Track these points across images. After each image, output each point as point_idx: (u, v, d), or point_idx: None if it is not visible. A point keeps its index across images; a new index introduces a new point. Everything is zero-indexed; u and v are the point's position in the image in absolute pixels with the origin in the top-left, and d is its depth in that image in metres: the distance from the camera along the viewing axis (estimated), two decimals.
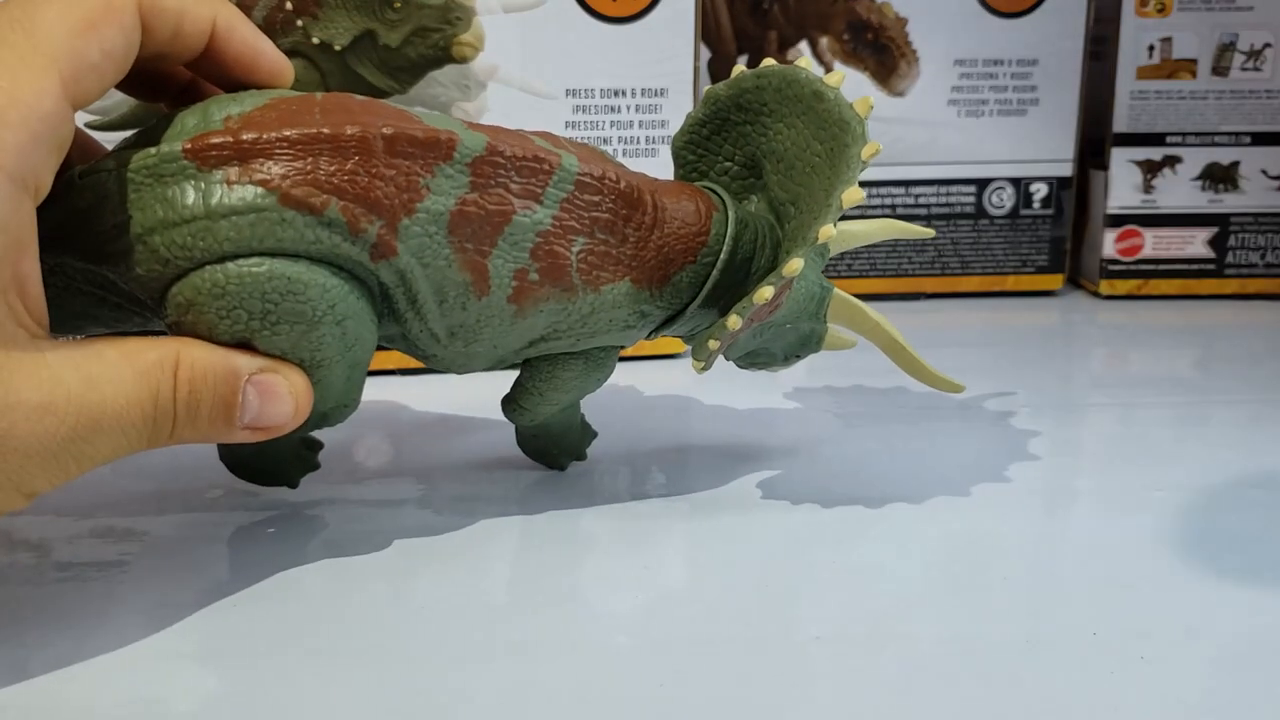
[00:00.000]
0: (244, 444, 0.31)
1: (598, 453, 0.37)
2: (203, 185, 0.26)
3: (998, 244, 0.60)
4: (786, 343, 0.34)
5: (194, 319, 0.26)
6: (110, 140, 0.29)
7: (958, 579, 0.29)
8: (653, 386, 0.45)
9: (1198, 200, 0.60)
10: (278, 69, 0.29)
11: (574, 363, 0.32)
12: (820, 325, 0.34)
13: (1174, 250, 0.60)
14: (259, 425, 0.27)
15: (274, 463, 0.33)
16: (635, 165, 0.41)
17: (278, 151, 0.26)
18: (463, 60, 0.44)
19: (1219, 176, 0.59)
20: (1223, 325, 0.56)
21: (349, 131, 0.27)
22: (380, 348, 0.30)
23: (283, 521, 0.33)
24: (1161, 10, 0.57)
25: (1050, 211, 0.60)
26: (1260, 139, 0.59)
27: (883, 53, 0.58)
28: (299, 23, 0.42)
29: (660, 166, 0.46)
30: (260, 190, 0.26)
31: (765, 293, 0.29)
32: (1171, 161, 0.59)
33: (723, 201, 0.33)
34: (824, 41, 0.58)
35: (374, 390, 0.42)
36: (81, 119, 0.41)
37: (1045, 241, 0.60)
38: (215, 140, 0.26)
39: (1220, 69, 0.58)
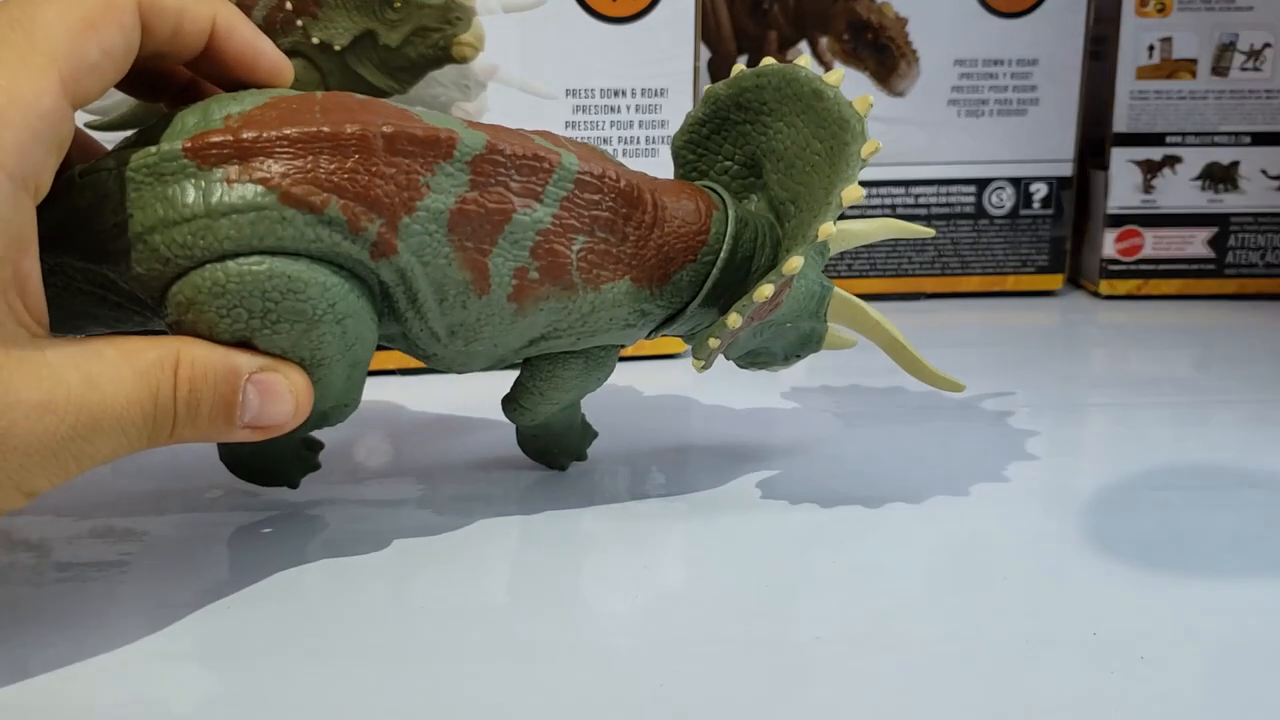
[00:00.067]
0: (244, 444, 0.31)
1: (598, 453, 0.37)
2: (203, 184, 0.26)
3: (998, 244, 0.60)
4: (787, 342, 0.34)
5: (194, 318, 0.26)
6: (110, 140, 0.29)
7: (958, 579, 0.29)
8: (653, 386, 0.45)
9: (1198, 200, 0.60)
10: (278, 68, 0.29)
11: (574, 362, 0.32)
12: (820, 324, 0.34)
13: (1174, 250, 0.60)
14: (259, 424, 0.27)
15: (274, 462, 0.33)
16: (635, 165, 0.41)
17: (278, 150, 0.26)
18: (463, 60, 0.44)
19: (1219, 176, 0.59)
20: (1223, 325, 0.56)
21: (349, 130, 0.27)
22: (380, 347, 0.30)
23: (283, 521, 0.33)
24: (1161, 10, 0.57)
25: (1050, 211, 0.60)
26: (1260, 139, 0.59)
27: (883, 53, 0.58)
28: (299, 22, 0.42)
29: (660, 166, 0.46)
30: (260, 188, 0.26)
31: (765, 291, 0.29)
32: (1171, 161, 0.59)
33: (723, 200, 0.33)
34: (824, 41, 0.58)
35: (374, 390, 0.42)
36: (81, 119, 0.41)
37: (1045, 241, 0.60)
38: (215, 139, 0.26)
39: (1220, 69, 0.58)
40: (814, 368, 0.47)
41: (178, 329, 0.27)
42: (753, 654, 0.26)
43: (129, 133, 0.28)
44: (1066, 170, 0.60)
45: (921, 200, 0.59)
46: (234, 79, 0.29)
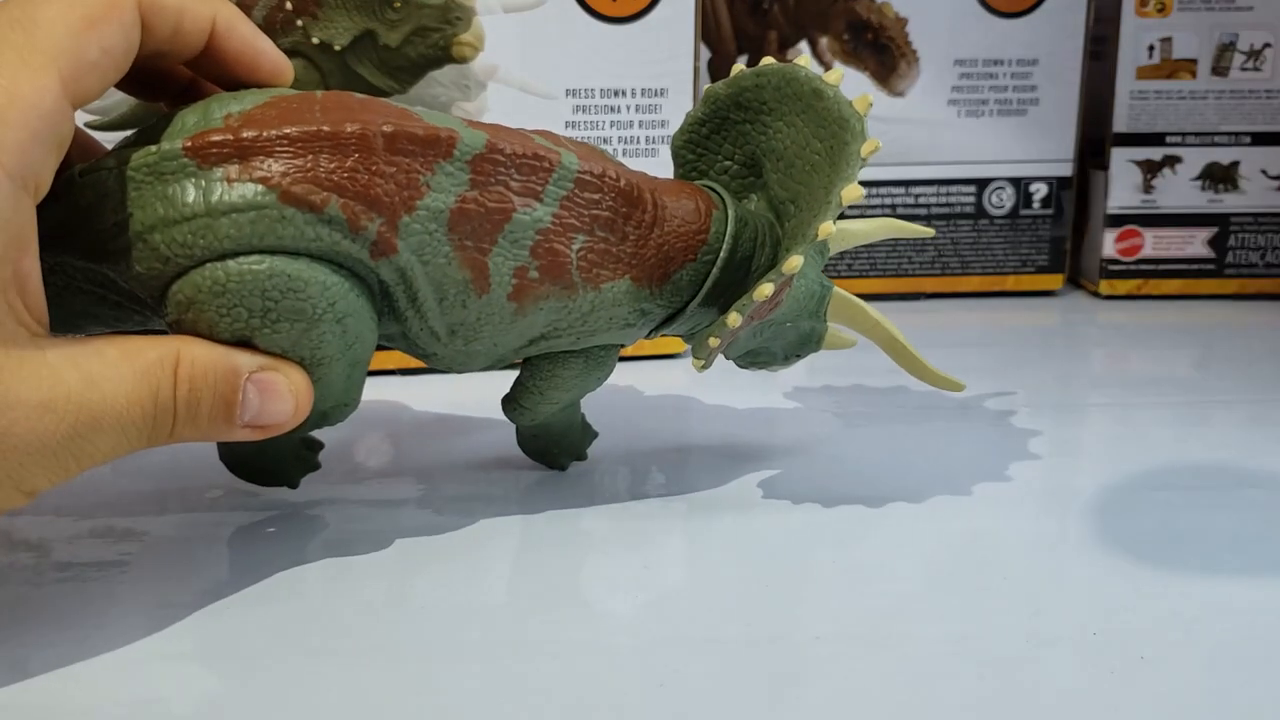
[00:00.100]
0: (244, 443, 0.31)
1: (598, 453, 0.37)
2: (203, 183, 0.26)
3: (998, 244, 0.60)
4: (786, 341, 0.34)
5: (194, 317, 0.26)
6: (110, 140, 0.29)
7: (958, 579, 0.29)
8: (653, 386, 0.45)
9: (1198, 200, 0.60)
10: (278, 68, 0.29)
11: (574, 361, 0.32)
12: (820, 324, 0.34)
13: (1174, 250, 0.60)
14: (259, 423, 0.27)
15: (274, 462, 0.32)
16: (635, 165, 0.41)
17: (278, 149, 0.26)
18: (463, 60, 0.44)
19: (1219, 176, 0.59)
20: (1223, 325, 0.56)
21: (349, 129, 0.27)
22: (380, 347, 0.30)
23: (283, 521, 0.32)
24: (1161, 10, 0.57)
25: (1050, 211, 0.60)
26: (1260, 139, 0.59)
27: (883, 53, 0.58)
28: (299, 22, 0.42)
29: (660, 166, 0.46)
30: (260, 188, 0.26)
31: (765, 290, 0.29)
32: (1171, 161, 0.59)
33: (722, 200, 0.33)
34: (824, 41, 0.58)
35: (374, 390, 0.42)
36: (81, 119, 0.41)
37: (1045, 241, 0.60)
38: (215, 138, 0.26)
39: (1220, 69, 0.58)
40: (814, 367, 0.47)
41: (178, 328, 0.27)
42: (753, 654, 0.26)
43: (129, 132, 0.28)
44: (1066, 170, 0.60)
45: (921, 200, 0.59)
46: (234, 78, 0.29)
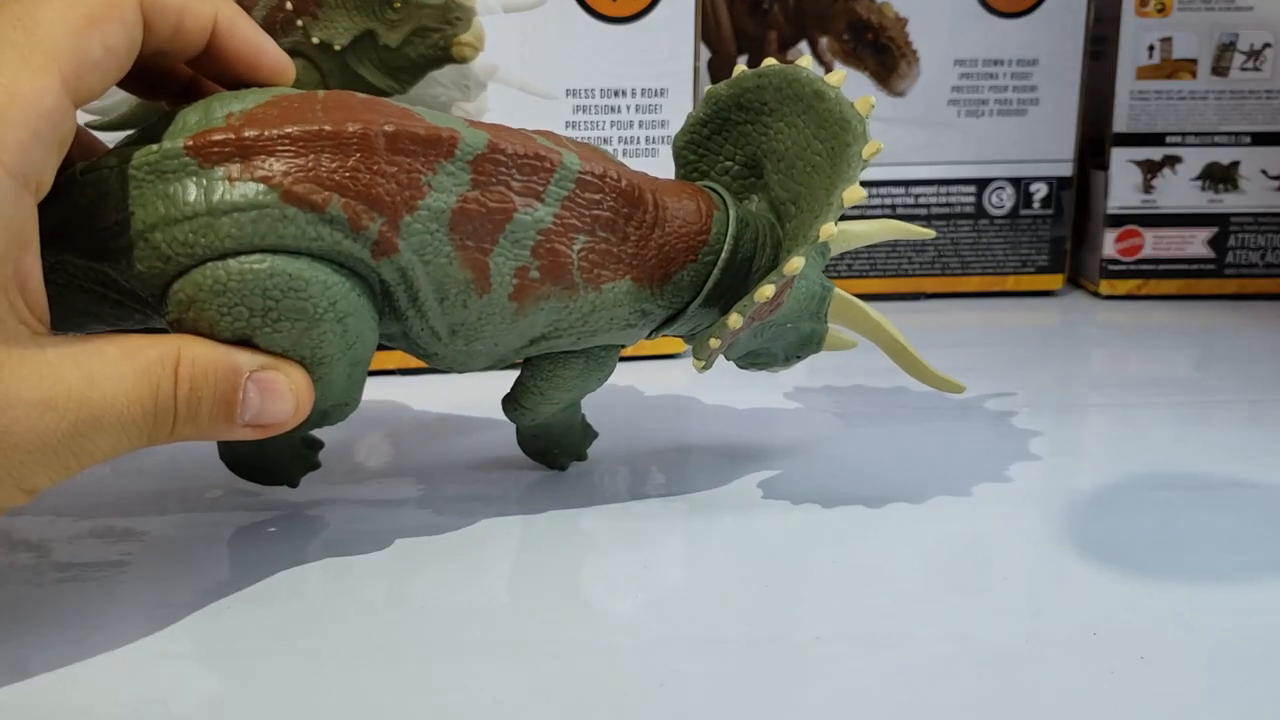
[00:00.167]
0: (244, 442, 0.31)
1: (598, 453, 0.37)
2: (204, 182, 0.26)
3: (998, 244, 0.60)
4: (787, 342, 0.34)
5: (195, 316, 0.26)
6: (112, 140, 0.29)
7: (958, 579, 0.29)
8: (653, 386, 0.45)
9: (1198, 200, 0.60)
10: (279, 67, 0.29)
11: (575, 361, 0.32)
12: (821, 325, 0.34)
13: (1174, 250, 0.60)
14: (260, 422, 0.27)
15: (274, 461, 0.32)
16: (635, 165, 0.41)
17: (279, 148, 0.26)
18: (463, 60, 0.44)
19: (1219, 176, 0.59)
20: (1222, 325, 0.56)
21: (351, 129, 0.27)
22: (381, 347, 0.30)
23: (283, 521, 0.32)
24: (1161, 10, 0.57)
25: (1050, 211, 0.60)
26: (1260, 139, 0.59)
27: (883, 53, 0.58)
28: (299, 22, 0.42)
29: (660, 166, 0.46)
30: (262, 187, 0.26)
31: (766, 291, 0.29)
32: (1171, 161, 0.59)
33: (724, 201, 0.33)
34: (824, 41, 0.58)
35: (374, 390, 0.42)
36: (82, 119, 0.41)
37: (1045, 241, 0.60)
38: (217, 137, 0.26)
39: (1220, 69, 0.58)
40: (814, 368, 0.47)
41: (178, 327, 0.27)
42: (753, 654, 0.26)
43: (130, 131, 0.28)
44: (1066, 170, 0.60)
45: (921, 200, 0.59)
46: (235, 77, 0.29)
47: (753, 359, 0.35)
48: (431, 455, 0.38)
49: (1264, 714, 0.23)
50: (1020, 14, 0.57)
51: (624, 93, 0.46)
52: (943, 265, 0.60)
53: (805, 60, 0.32)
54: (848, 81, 0.55)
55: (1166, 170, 0.59)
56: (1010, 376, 0.46)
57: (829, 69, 0.58)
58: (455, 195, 0.28)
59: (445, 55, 0.44)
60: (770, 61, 0.33)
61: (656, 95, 0.46)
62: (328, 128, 0.26)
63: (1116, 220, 0.60)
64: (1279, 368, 0.48)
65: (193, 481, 0.35)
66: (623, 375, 0.46)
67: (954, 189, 0.59)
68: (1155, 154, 0.59)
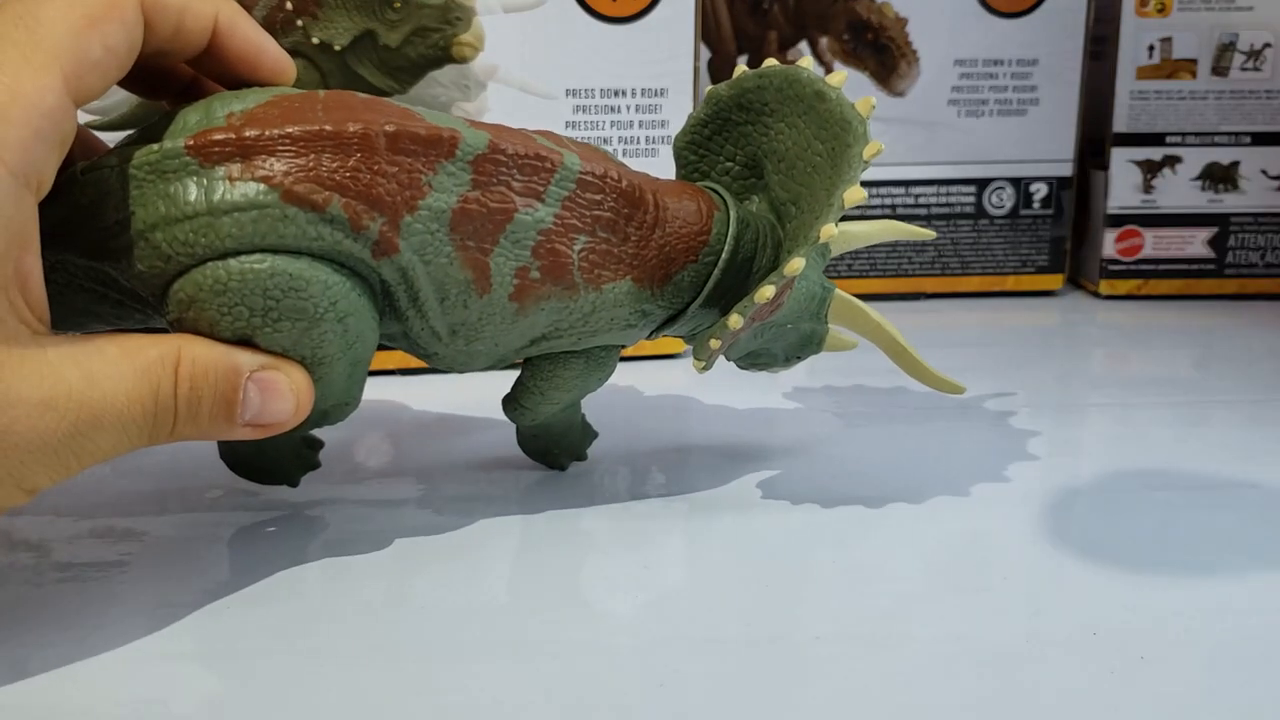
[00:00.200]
0: (244, 442, 0.31)
1: (598, 453, 0.37)
2: (205, 181, 0.26)
3: (998, 244, 0.60)
4: (787, 343, 0.34)
5: (195, 315, 0.26)
6: (112, 139, 0.29)
7: (958, 579, 0.29)
8: (653, 386, 0.45)
9: (1198, 200, 0.60)
10: (280, 66, 0.29)
11: (575, 362, 0.32)
12: (821, 326, 0.34)
13: (1174, 250, 0.60)
14: (260, 422, 0.27)
15: (274, 461, 0.32)
16: (636, 165, 0.41)
17: (280, 148, 0.26)
18: (463, 60, 0.44)
19: (1219, 176, 0.59)
20: (1222, 325, 0.56)
21: (351, 128, 0.27)
22: (382, 347, 0.30)
23: (283, 521, 0.32)
24: (1161, 10, 0.57)
25: (1050, 211, 0.60)
26: (1260, 139, 0.59)
27: (883, 53, 0.58)
28: (299, 23, 0.42)
29: (661, 166, 0.46)
30: (262, 187, 0.26)
31: (767, 292, 0.29)
32: (1171, 161, 0.59)
33: (724, 201, 0.33)
34: (824, 41, 0.58)
35: (374, 390, 0.42)
36: (82, 118, 0.41)
37: (1045, 241, 0.60)
38: (218, 137, 0.26)
39: (1220, 69, 0.58)
40: (814, 368, 0.47)
41: (179, 326, 0.27)
42: (753, 654, 0.26)
43: (131, 131, 0.28)
44: (1066, 170, 0.60)
45: (921, 200, 0.59)
46: (236, 77, 0.29)
47: (753, 359, 0.35)
48: (431, 455, 0.38)
49: (1264, 714, 0.23)
50: (1020, 14, 0.57)
51: (624, 93, 0.46)
52: (943, 265, 0.60)
53: (806, 60, 0.32)
54: (847, 81, 0.55)
55: (1166, 170, 0.59)
56: (1010, 376, 0.46)
57: (829, 69, 0.58)
58: (456, 195, 0.28)
59: (445, 55, 0.44)
60: (771, 62, 0.33)
61: (656, 95, 0.46)
62: (328, 128, 0.26)
63: (1116, 220, 0.60)
64: (1279, 368, 0.48)
65: (193, 481, 0.35)
66: (623, 375, 0.46)
67: (954, 189, 0.59)
68: (1155, 154, 0.59)
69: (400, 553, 0.31)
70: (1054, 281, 0.61)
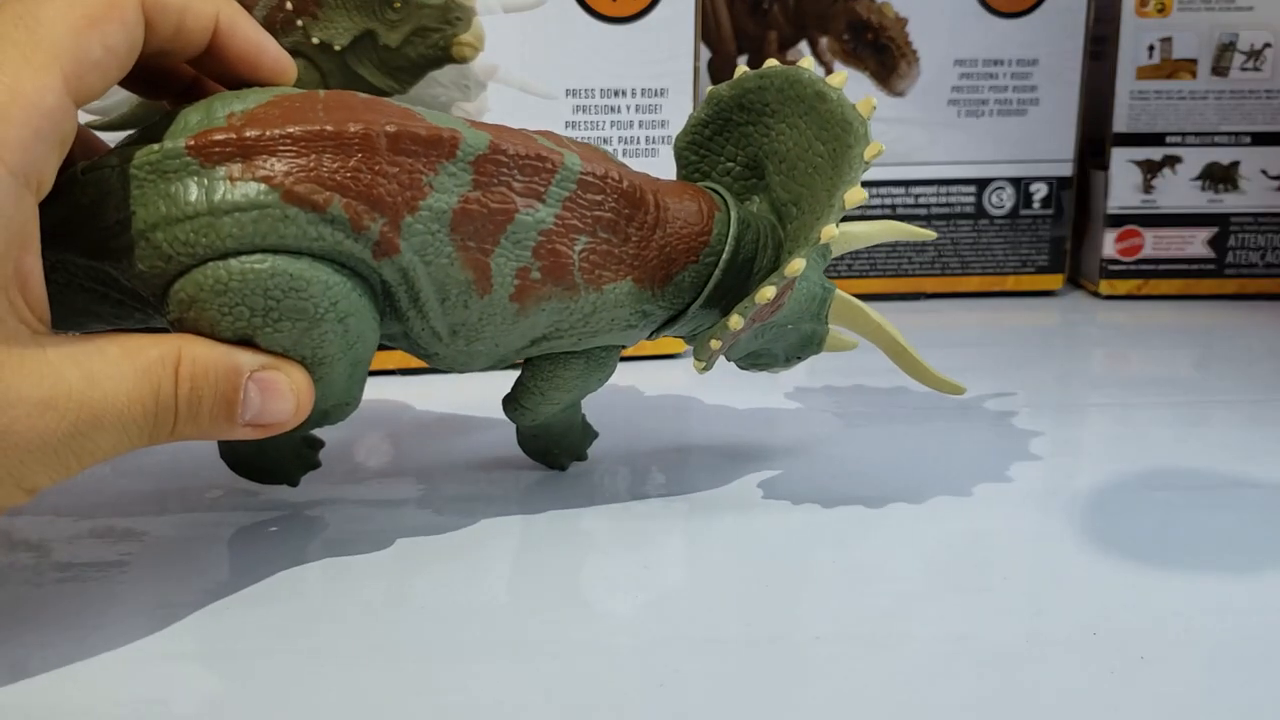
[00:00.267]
0: (245, 442, 0.31)
1: (598, 453, 0.37)
2: (206, 181, 0.26)
3: (998, 244, 0.60)
4: (788, 344, 0.34)
5: (196, 315, 0.26)
6: (113, 139, 0.29)
7: (958, 579, 0.29)
8: (653, 386, 0.45)
9: (1198, 200, 0.60)
10: (280, 66, 0.29)
11: (575, 362, 0.32)
12: (822, 326, 0.34)
13: (1174, 250, 0.60)
14: (260, 422, 0.27)
15: (275, 461, 0.32)
16: (636, 165, 0.41)
17: (281, 148, 0.26)
18: (463, 60, 0.44)
19: (1219, 176, 0.59)
20: (1223, 325, 0.56)
21: (352, 129, 0.27)
22: (382, 347, 0.30)
23: (283, 521, 0.32)
24: (1161, 10, 0.57)
25: (1050, 211, 0.60)
26: (1260, 139, 0.59)
27: (883, 53, 0.58)
28: (299, 23, 0.42)
29: (661, 166, 0.46)
30: (263, 187, 0.26)
31: (767, 292, 0.29)
32: (1171, 161, 0.59)
33: (725, 202, 0.33)
34: (824, 41, 0.58)
35: (374, 390, 0.42)
36: (83, 118, 0.41)
37: (1045, 241, 0.60)
38: (218, 137, 0.26)
39: (1220, 69, 0.58)
40: (815, 368, 0.47)
41: (179, 326, 0.27)
42: (753, 653, 0.26)
43: (131, 131, 0.28)
44: (1066, 170, 0.60)
45: (921, 200, 0.59)
46: (237, 77, 0.29)
47: (753, 360, 0.35)
48: (431, 455, 0.38)
49: (1264, 714, 0.24)
50: (1020, 14, 0.57)
51: (624, 93, 0.46)
52: (943, 265, 0.60)
53: (806, 60, 0.32)
54: (848, 82, 0.55)
55: (1166, 170, 0.59)
56: (1010, 376, 0.47)
57: (829, 69, 0.58)
58: (457, 196, 0.28)
59: (445, 55, 0.44)
60: (772, 62, 0.33)
61: (656, 95, 0.46)
62: (329, 128, 0.26)
63: (1116, 220, 0.60)
64: (1279, 368, 0.48)
65: (193, 481, 0.35)
66: (623, 375, 0.46)
67: (954, 189, 0.59)
68: (1155, 154, 0.59)
69: (400, 553, 0.31)
70: (1054, 281, 0.61)
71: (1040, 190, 0.60)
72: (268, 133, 0.26)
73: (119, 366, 0.24)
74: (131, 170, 0.26)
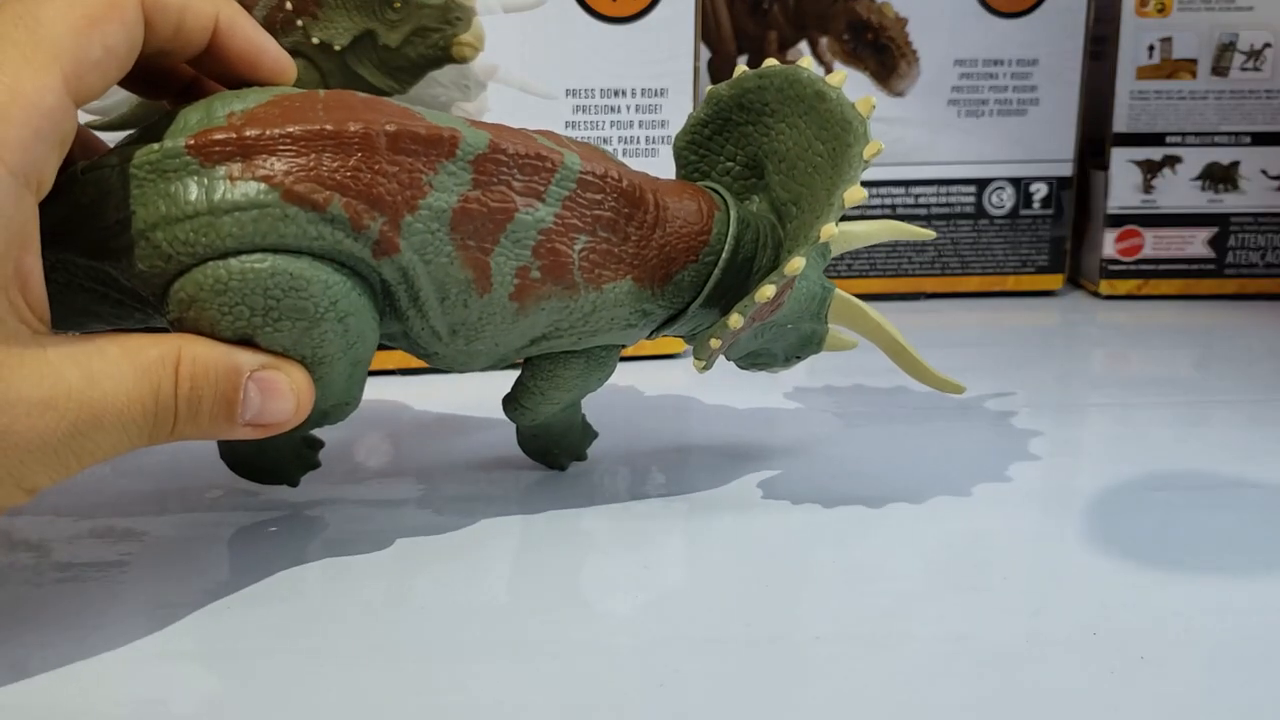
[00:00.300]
0: (244, 442, 0.31)
1: (598, 453, 0.37)
2: (205, 181, 0.26)
3: (998, 244, 0.60)
4: (787, 343, 0.34)
5: (196, 315, 0.26)
6: (113, 139, 0.29)
7: (958, 579, 0.29)
8: (653, 386, 0.45)
9: (1198, 200, 0.60)
10: (280, 66, 0.29)
11: (575, 361, 0.32)
12: (821, 326, 0.34)
13: (1174, 250, 0.60)
14: (260, 422, 0.27)
15: (274, 461, 0.32)
16: (636, 165, 0.41)
17: (281, 148, 0.26)
18: (463, 60, 0.44)
19: (1219, 176, 0.59)
20: (1223, 325, 0.56)
21: (352, 128, 0.27)
22: (382, 346, 0.30)
23: (283, 521, 0.32)
24: (1161, 10, 0.57)
25: (1050, 211, 0.60)
26: (1260, 139, 0.59)
27: (883, 53, 0.58)
28: (299, 23, 0.42)
29: (661, 166, 0.46)
30: (263, 186, 0.26)
31: (767, 291, 0.29)
32: (1171, 161, 0.59)
33: (724, 201, 0.33)
34: (824, 41, 0.58)
35: (374, 390, 0.42)
36: (83, 118, 0.41)
37: (1045, 241, 0.60)
38: (218, 136, 0.26)
39: (1220, 69, 0.58)
40: (815, 368, 0.47)
41: (179, 326, 0.27)
42: (753, 653, 0.26)
43: (131, 131, 0.28)
44: (1066, 170, 0.60)
45: (921, 200, 0.59)
46: (237, 77, 0.29)
47: (753, 359, 0.35)
48: (431, 455, 0.38)
49: (1264, 714, 0.24)
50: (1020, 14, 0.57)
51: (624, 93, 0.46)
52: (943, 265, 0.60)
53: (806, 60, 0.32)
54: (848, 81, 0.55)
55: (1166, 170, 0.59)
56: (1010, 376, 0.46)
57: (829, 69, 0.58)
58: (456, 195, 0.28)
59: (445, 55, 0.44)
60: (771, 62, 0.33)
61: (656, 95, 0.46)
62: (329, 127, 0.26)
63: (1116, 220, 0.60)
64: (1279, 368, 0.48)
65: (193, 481, 0.35)
66: (623, 375, 0.46)
67: (954, 189, 0.59)
68: (1155, 154, 0.59)
69: (400, 553, 0.31)
70: (1054, 281, 0.61)
71: (1040, 190, 0.60)
72: (267, 132, 0.26)
73: (119, 366, 0.24)
74: (131, 170, 0.26)
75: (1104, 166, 0.60)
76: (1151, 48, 0.58)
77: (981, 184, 0.59)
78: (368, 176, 0.27)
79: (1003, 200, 0.60)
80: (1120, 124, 0.59)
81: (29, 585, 0.29)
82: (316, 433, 0.34)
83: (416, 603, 0.28)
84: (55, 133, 0.24)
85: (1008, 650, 0.26)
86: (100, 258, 0.26)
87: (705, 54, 0.58)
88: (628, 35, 0.45)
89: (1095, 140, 0.60)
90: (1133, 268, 0.60)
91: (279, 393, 0.27)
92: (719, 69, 0.58)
